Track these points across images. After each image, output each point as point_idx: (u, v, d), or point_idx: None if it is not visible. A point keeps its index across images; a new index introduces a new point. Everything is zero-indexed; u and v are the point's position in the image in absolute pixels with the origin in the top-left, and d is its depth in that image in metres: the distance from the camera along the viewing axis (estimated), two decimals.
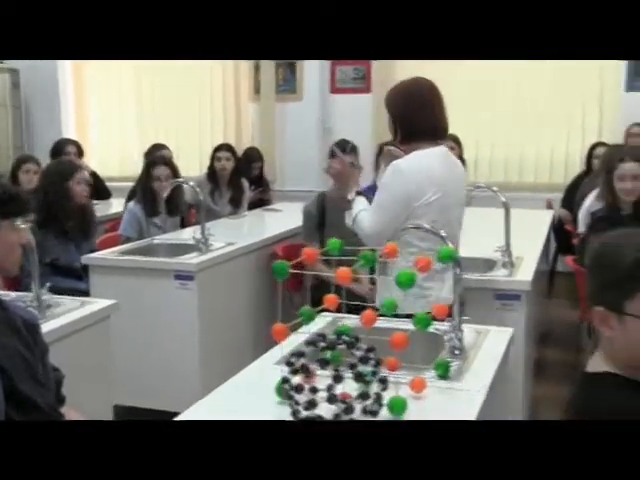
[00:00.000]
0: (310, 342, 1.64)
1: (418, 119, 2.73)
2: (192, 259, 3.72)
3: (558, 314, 5.45)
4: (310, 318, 1.94)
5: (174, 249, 4.01)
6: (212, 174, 5.41)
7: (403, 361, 2.03)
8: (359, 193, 2.87)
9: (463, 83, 6.27)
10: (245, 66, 6.93)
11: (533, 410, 3.61)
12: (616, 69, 5.99)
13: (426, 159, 2.72)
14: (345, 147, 4.20)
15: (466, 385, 1.96)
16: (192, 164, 6.94)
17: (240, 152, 6.21)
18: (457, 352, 2.17)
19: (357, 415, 1.64)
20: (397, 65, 6.33)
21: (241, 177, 5.52)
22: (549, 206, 5.81)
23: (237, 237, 4.31)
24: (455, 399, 1.88)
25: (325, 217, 4.17)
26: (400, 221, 2.65)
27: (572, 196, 5.48)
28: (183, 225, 4.73)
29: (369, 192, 4.46)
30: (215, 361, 3.69)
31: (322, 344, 1.58)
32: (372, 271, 3.32)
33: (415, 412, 1.75)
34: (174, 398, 3.42)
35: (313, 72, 6.76)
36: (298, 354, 1.63)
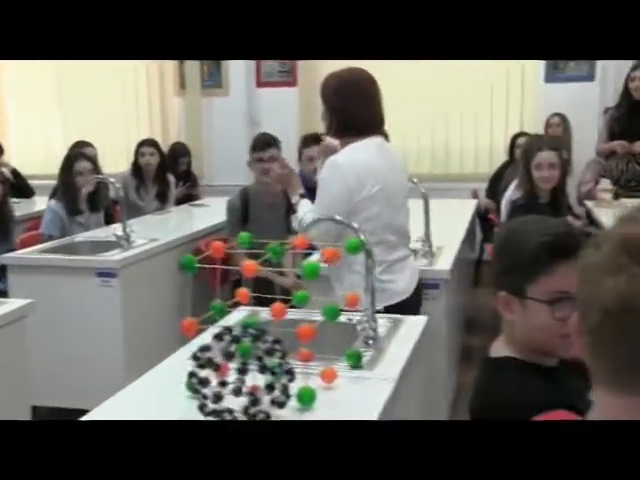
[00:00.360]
0: (217, 336, 1.64)
1: (356, 111, 2.68)
2: (114, 256, 3.67)
3: (484, 302, 5.54)
4: (221, 312, 1.94)
5: (96, 247, 3.95)
6: (137, 170, 5.34)
7: (318, 352, 2.05)
8: (302, 196, 2.79)
9: (388, 76, 6.31)
10: (169, 61, 6.85)
11: (459, 396, 3.67)
12: (536, 62, 6.12)
13: (364, 152, 2.68)
14: (268, 141, 4.21)
15: (378, 374, 1.99)
16: (119, 161, 6.83)
17: (167, 148, 6.17)
18: (371, 342, 2.20)
19: (266, 407, 1.65)
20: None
21: (167, 172, 5.47)
22: (474, 196, 5.91)
23: (161, 233, 4.27)
24: (366, 388, 1.90)
25: (249, 211, 4.17)
26: (343, 217, 2.57)
27: (496, 185, 5.60)
28: (108, 222, 4.66)
29: None
30: (140, 358, 3.64)
31: (227, 337, 1.58)
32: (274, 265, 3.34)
33: (325, 402, 1.77)
34: (99, 397, 3.36)
35: (239, 66, 6.72)
36: (204, 348, 1.63)
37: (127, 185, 5.30)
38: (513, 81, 6.27)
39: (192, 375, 1.64)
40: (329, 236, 2.55)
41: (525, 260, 1.47)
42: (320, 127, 6.64)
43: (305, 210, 2.71)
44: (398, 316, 2.48)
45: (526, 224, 1.58)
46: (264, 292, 2.10)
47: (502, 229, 1.61)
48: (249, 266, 1.77)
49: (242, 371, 1.52)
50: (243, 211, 4.17)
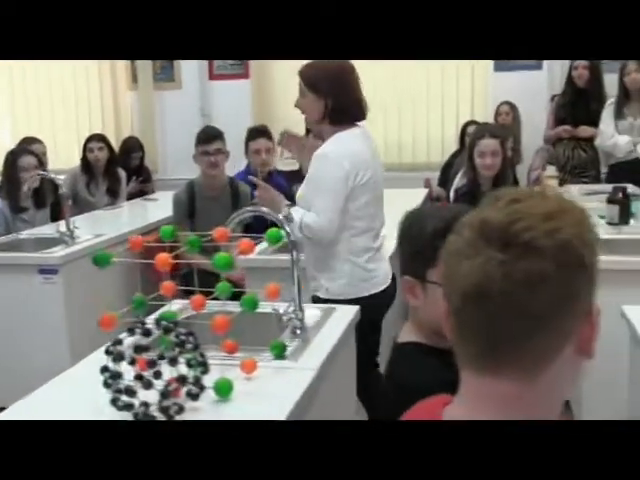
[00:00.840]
0: (130, 329, 1.64)
1: (347, 97, 2.70)
2: (56, 253, 3.64)
3: None
4: (141, 305, 1.94)
5: (40, 243, 3.91)
6: (86, 165, 5.29)
7: (248, 344, 2.06)
8: (290, 205, 2.75)
9: None
10: None
11: None
12: None
13: (352, 140, 2.70)
14: (214, 134, 4.21)
15: (301, 364, 2.00)
16: (73, 157, 6.77)
17: (120, 142, 6.13)
18: (298, 332, 2.21)
19: (181, 399, 1.65)
20: None
21: (117, 167, 5.42)
22: (427, 185, 5.94)
23: (108, 228, 4.24)
24: (286, 378, 1.91)
25: (195, 205, 4.16)
26: (342, 205, 2.64)
27: (447, 174, 5.64)
28: (57, 219, 4.62)
29: (242, 176, 4.50)
30: (85, 355, 3.62)
31: (139, 331, 1.58)
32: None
33: (243, 393, 1.78)
34: None
35: (191, 60, 6.68)
36: (116, 342, 1.63)
37: (77, 181, 5.26)
38: (463, 70, 6.30)
39: (104, 370, 1.64)
40: (332, 229, 2.62)
41: (424, 244, 1.50)
42: (273, 119, 6.63)
43: (300, 213, 2.67)
44: (330, 306, 2.49)
45: (424, 211, 1.61)
46: (209, 284, 2.09)
47: (404, 216, 1.63)
48: (161, 259, 1.77)
49: (151, 364, 1.52)
50: (189, 204, 4.16)
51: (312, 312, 2.37)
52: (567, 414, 3.48)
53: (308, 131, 5.22)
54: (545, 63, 6.01)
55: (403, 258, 1.61)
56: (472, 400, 0.93)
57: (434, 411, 1.01)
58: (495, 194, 0.95)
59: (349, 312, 2.44)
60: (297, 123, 6.54)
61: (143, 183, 6.05)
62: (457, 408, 0.96)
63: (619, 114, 4.80)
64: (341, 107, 2.69)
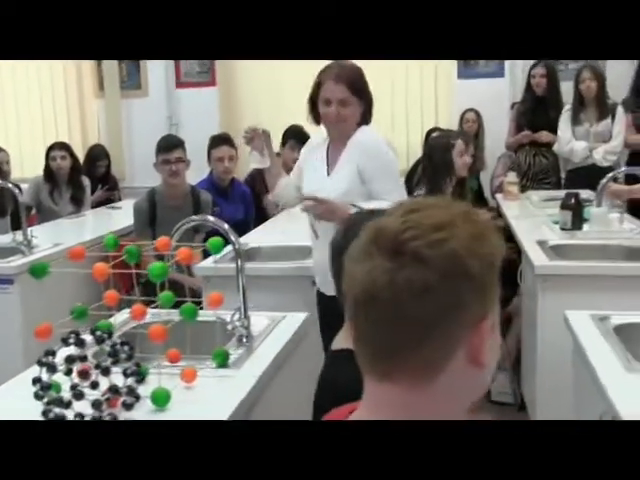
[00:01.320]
0: (64, 340, 1.64)
1: (371, 98, 2.79)
2: (12, 262, 3.62)
3: None
4: (82, 315, 1.94)
5: None
6: (49, 174, 5.27)
7: (193, 352, 2.07)
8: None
9: (308, 74, 6.32)
10: (87, 62, 6.76)
11: None
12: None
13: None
14: (174, 143, 4.20)
15: (243, 372, 2.01)
16: (38, 165, 6.72)
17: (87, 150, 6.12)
18: (244, 340, 2.22)
19: (117, 410, 1.66)
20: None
21: (81, 175, 5.40)
22: None
23: (69, 237, 4.22)
24: (227, 386, 1.91)
25: (156, 213, 4.15)
26: None
27: (411, 181, 5.67)
28: (18, 228, 4.59)
29: (205, 185, 4.50)
30: None
31: (72, 341, 1.58)
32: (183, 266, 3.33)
33: (181, 402, 1.79)
34: None
35: (158, 67, 6.67)
36: (49, 352, 1.63)
37: (40, 190, 5.24)
38: (427, 78, 6.33)
39: (36, 381, 1.63)
40: None
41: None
42: (240, 126, 6.61)
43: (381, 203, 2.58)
44: (279, 314, 2.50)
45: (360, 219, 1.62)
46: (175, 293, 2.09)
47: (339, 227, 1.64)
48: (99, 269, 1.78)
49: (83, 374, 1.53)
50: (150, 213, 4.16)
51: (260, 320, 2.38)
52: (523, 415, 3.52)
53: (284, 142, 5.24)
54: (507, 70, 6.07)
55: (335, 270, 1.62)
56: (371, 405, 0.95)
57: (344, 416, 1.03)
58: (402, 202, 0.97)
59: (297, 320, 2.45)
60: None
61: (109, 191, 6.03)
62: (360, 413, 0.98)
63: (575, 120, 4.89)
64: (370, 107, 2.78)
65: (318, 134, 3.01)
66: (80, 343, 1.59)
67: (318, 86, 2.77)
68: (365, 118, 2.79)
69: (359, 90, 2.73)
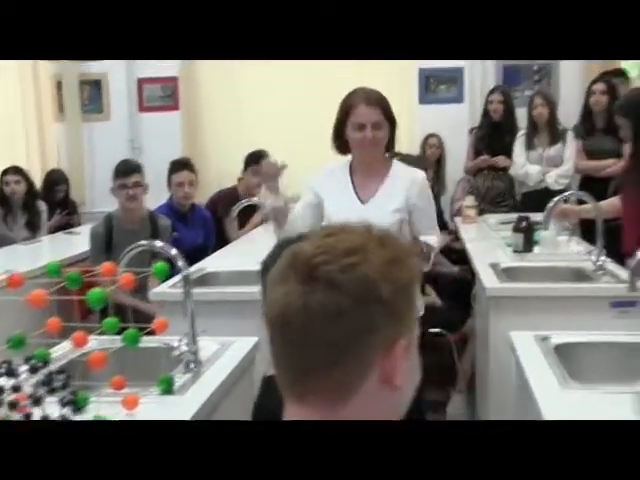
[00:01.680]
0: None
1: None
2: None
3: None
4: (19, 344, 1.91)
5: None
6: (2, 199, 5.21)
7: (139, 379, 2.05)
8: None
9: (271, 95, 6.32)
10: (47, 84, 6.70)
11: None
12: (410, 84, 6.22)
13: None
14: (132, 168, 4.18)
15: (187, 398, 1.99)
16: None
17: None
18: (192, 365, 2.20)
19: None
20: (201, 82, 6.41)
21: (36, 200, 5.36)
22: None
23: (22, 263, 4.16)
24: (169, 414, 1.89)
25: (112, 238, 4.12)
26: None
27: None
28: None
29: (164, 210, 4.48)
30: None
31: (2, 371, 1.56)
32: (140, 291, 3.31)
33: None
34: None
35: (120, 91, 6.66)
36: None
37: None
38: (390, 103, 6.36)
39: None
40: None
41: None
42: (204, 151, 6.58)
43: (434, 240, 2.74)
44: (228, 339, 2.49)
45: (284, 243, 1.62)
46: (124, 319, 2.08)
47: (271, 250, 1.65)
48: (36, 296, 1.76)
49: (12, 406, 1.50)
50: (106, 238, 4.12)
51: (209, 345, 2.37)
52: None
53: (246, 167, 5.22)
54: (466, 96, 6.15)
55: None
56: None
57: None
58: (323, 227, 0.98)
59: (247, 344, 2.44)
60: (228, 155, 6.53)
61: (68, 216, 5.97)
62: None
63: (529, 145, 5.00)
64: (394, 132, 2.76)
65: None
66: (11, 373, 1.56)
67: (346, 112, 2.68)
68: (391, 144, 2.75)
69: (390, 113, 2.71)
